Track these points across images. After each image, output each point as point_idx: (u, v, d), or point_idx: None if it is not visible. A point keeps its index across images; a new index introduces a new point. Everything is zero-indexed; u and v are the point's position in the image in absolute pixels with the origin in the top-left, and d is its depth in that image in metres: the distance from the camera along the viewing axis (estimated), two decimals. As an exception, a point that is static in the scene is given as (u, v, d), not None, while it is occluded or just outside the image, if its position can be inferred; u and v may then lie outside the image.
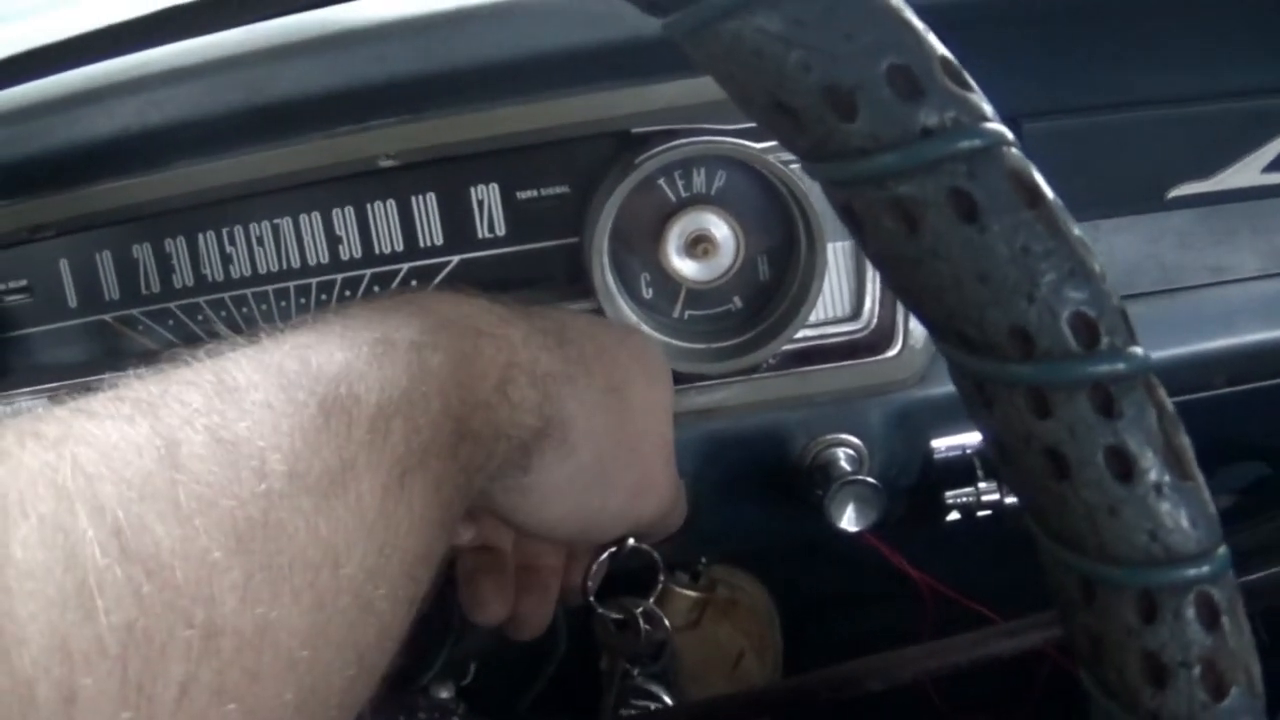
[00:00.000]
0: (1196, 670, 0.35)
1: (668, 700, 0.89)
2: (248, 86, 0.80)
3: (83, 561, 0.33)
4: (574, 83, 0.80)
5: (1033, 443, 0.36)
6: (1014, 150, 0.35)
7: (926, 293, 0.36)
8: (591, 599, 0.79)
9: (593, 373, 0.61)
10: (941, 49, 0.35)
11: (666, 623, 0.86)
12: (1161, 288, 0.88)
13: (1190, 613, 0.35)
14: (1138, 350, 0.35)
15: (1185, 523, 0.35)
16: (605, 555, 0.77)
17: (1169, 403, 0.36)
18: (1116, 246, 0.88)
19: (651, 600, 0.84)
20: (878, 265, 0.39)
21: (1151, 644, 0.36)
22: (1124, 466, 0.35)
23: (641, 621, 0.85)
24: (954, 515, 0.88)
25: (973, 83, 0.36)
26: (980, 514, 0.88)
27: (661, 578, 0.84)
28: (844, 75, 0.35)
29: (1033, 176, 0.35)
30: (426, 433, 0.47)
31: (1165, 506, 0.35)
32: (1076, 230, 0.35)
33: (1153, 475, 0.35)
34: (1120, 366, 0.35)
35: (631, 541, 0.76)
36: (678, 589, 1.00)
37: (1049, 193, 0.35)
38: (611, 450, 0.62)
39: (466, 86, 0.79)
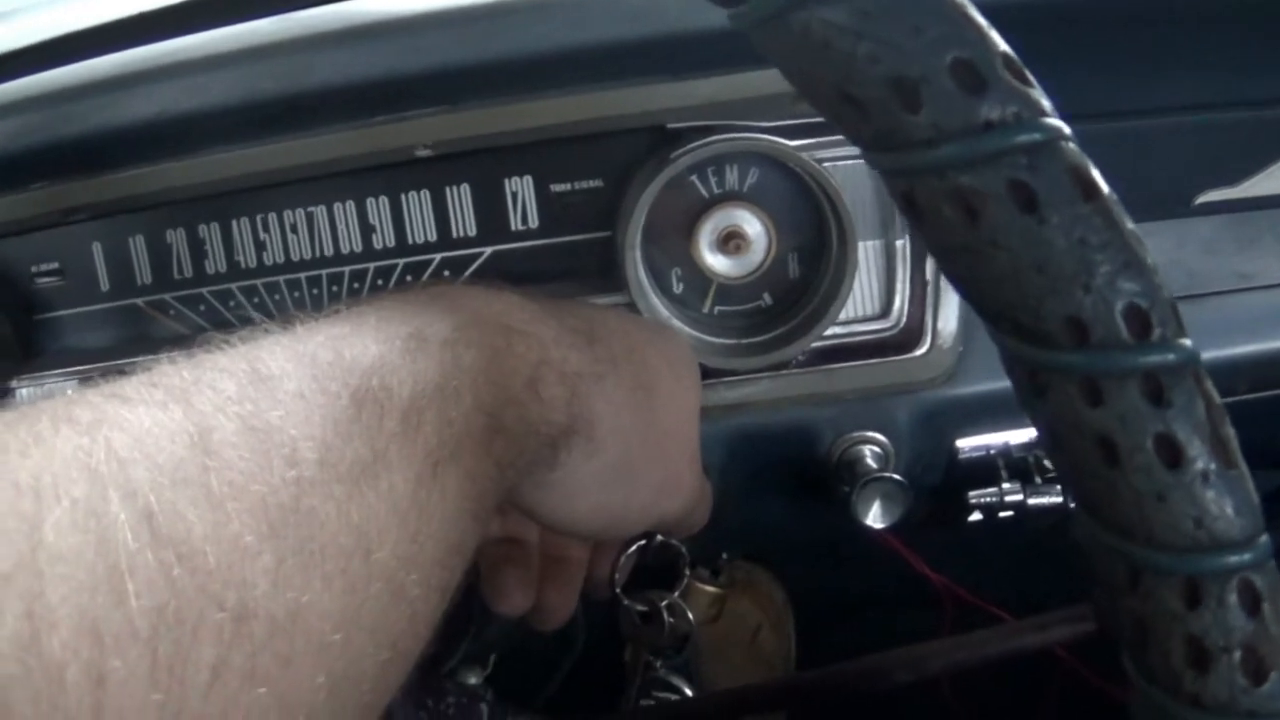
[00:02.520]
0: (1237, 655, 0.36)
1: (688, 692, 0.90)
2: (286, 74, 0.81)
3: (114, 545, 0.34)
4: (609, 77, 0.80)
5: (1084, 430, 0.37)
6: (1072, 145, 0.36)
7: (985, 282, 0.37)
8: (618, 591, 0.80)
9: (621, 371, 0.61)
10: (1003, 45, 0.36)
11: (690, 616, 0.87)
12: (1187, 293, 0.89)
13: (1233, 599, 0.36)
14: (1187, 342, 0.36)
15: (1230, 510, 0.36)
16: (634, 549, 0.78)
17: (1216, 394, 0.37)
18: (1142, 251, 0.88)
19: (677, 594, 0.85)
20: (936, 255, 0.40)
21: (1195, 629, 0.37)
22: (1172, 454, 0.36)
23: (666, 614, 0.85)
24: (976, 515, 0.89)
25: (1033, 79, 0.36)
26: (1002, 515, 0.88)
27: (687, 572, 0.85)
28: (910, 68, 0.36)
29: (1090, 171, 0.36)
30: (459, 426, 0.47)
31: (1211, 494, 0.36)
32: (1130, 224, 0.36)
33: (1200, 463, 0.36)
34: (1170, 357, 0.36)
35: (659, 536, 0.77)
36: (699, 584, 1.00)
37: (1105, 187, 0.36)
38: (637, 448, 0.62)
39: (503, 79, 0.80)
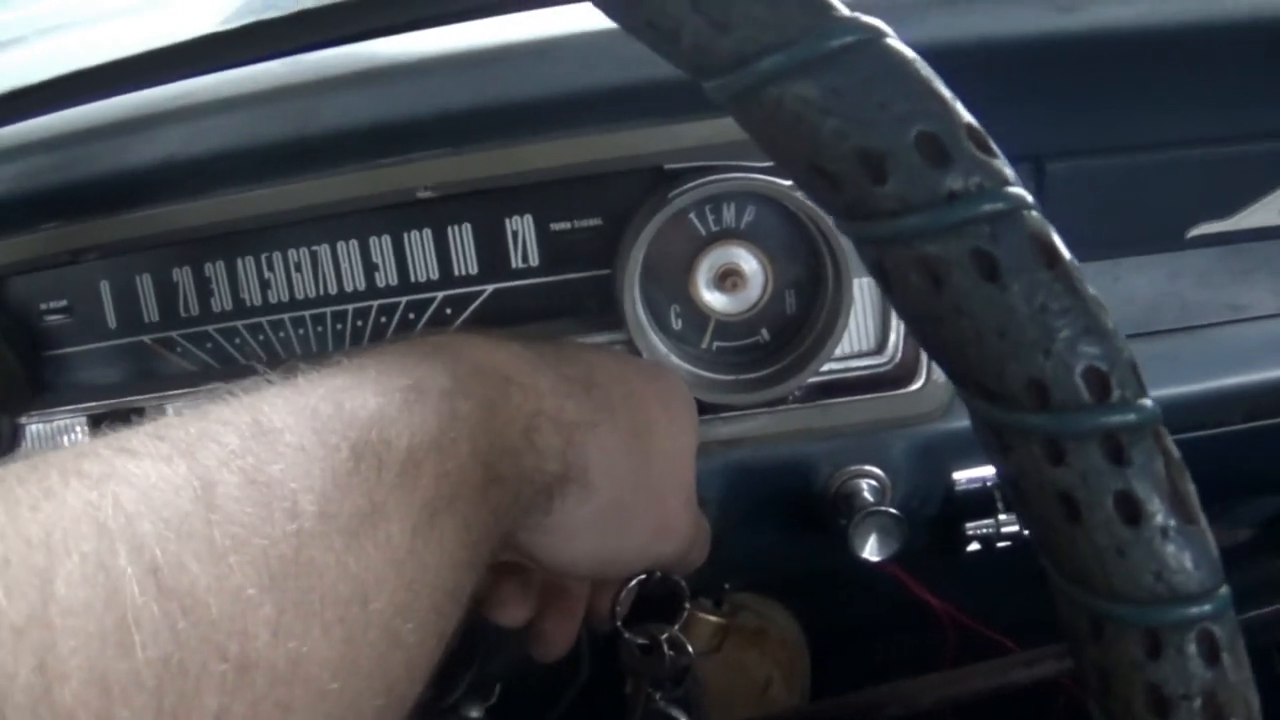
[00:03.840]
0: (1198, 703, 0.37)
1: (688, 725, 0.91)
2: (293, 117, 0.82)
3: (122, 599, 0.35)
4: (609, 119, 0.82)
5: (1046, 487, 0.38)
6: (1034, 214, 0.37)
7: (950, 346, 0.38)
8: (618, 624, 0.81)
9: (617, 418, 0.62)
10: (968, 117, 0.38)
11: (690, 649, 0.88)
12: (1181, 325, 0.90)
13: (1192, 649, 0.37)
14: (1147, 402, 0.38)
15: (1189, 564, 0.37)
16: (634, 583, 0.79)
17: (1175, 450, 0.38)
18: (1137, 284, 0.90)
19: (676, 627, 0.86)
20: (905, 319, 0.41)
21: (1155, 678, 0.38)
22: (1132, 511, 0.37)
23: (666, 647, 0.86)
24: (974, 546, 0.90)
25: (996, 149, 0.38)
26: (1000, 545, 0.89)
27: (687, 605, 0.86)
28: (876, 142, 0.37)
29: (1051, 239, 0.37)
30: (455, 476, 0.49)
31: (1170, 549, 0.37)
32: (1091, 290, 0.37)
33: (1159, 519, 0.37)
34: (1131, 417, 0.37)
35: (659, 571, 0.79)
36: (700, 614, 1.01)
37: (1066, 254, 0.37)
38: (631, 494, 0.63)
39: (506, 121, 0.81)
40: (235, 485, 0.40)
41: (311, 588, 0.40)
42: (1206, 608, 0.37)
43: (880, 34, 0.38)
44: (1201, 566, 0.37)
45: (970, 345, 0.38)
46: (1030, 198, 0.38)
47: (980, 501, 0.89)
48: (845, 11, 0.39)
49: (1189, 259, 0.91)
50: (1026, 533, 0.84)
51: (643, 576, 0.80)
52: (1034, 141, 0.84)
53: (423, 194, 0.82)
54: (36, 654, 0.33)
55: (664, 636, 0.86)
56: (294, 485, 0.42)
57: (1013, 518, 0.88)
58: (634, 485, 0.63)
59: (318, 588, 0.41)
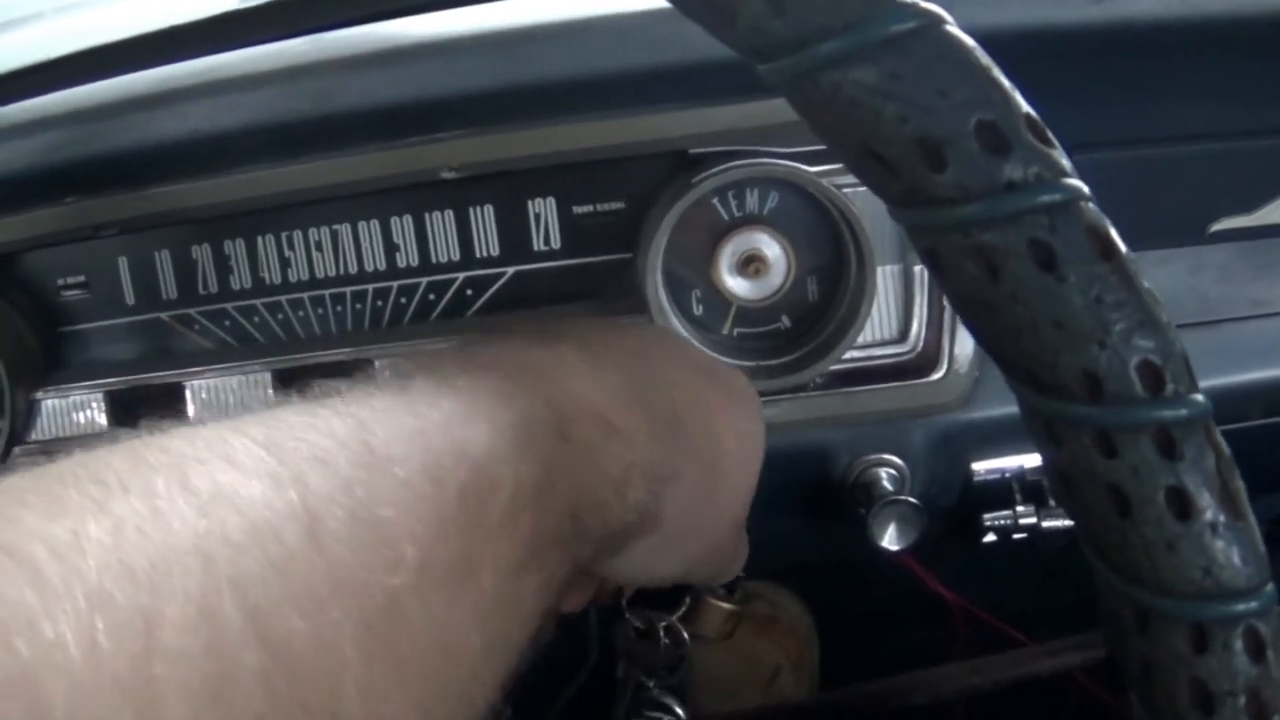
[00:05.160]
0: (1242, 699, 0.37)
1: (680, 714, 0.90)
2: (317, 95, 0.82)
3: (223, 648, 0.33)
4: (634, 103, 0.81)
5: (1097, 480, 0.38)
6: (1091, 205, 0.37)
7: (1003, 336, 0.38)
8: (623, 603, 0.81)
9: (695, 464, 0.60)
10: (1026, 107, 0.37)
11: (686, 637, 0.88)
12: (1202, 319, 0.90)
13: (1239, 645, 0.37)
14: (1199, 397, 0.37)
15: (1237, 560, 0.37)
16: None
17: (1225, 446, 0.38)
18: (1159, 278, 0.89)
19: (676, 616, 0.86)
20: (957, 307, 0.41)
21: (1201, 672, 0.38)
22: (1183, 506, 0.37)
23: (662, 634, 0.86)
24: (990, 537, 0.90)
25: (1054, 139, 0.38)
26: (1016, 536, 0.89)
27: (688, 597, 0.86)
28: (936, 129, 0.37)
29: (1108, 231, 0.37)
30: (549, 531, 0.47)
31: (1220, 544, 0.37)
32: (1146, 283, 0.37)
33: (1209, 515, 0.37)
34: (1183, 412, 0.37)
35: None
36: (712, 600, 1.01)
37: (1122, 246, 0.37)
38: (693, 528, 0.62)
39: (530, 102, 0.81)
40: (341, 522, 0.38)
41: (401, 643, 0.39)
42: (1253, 604, 0.37)
43: (940, 20, 0.38)
44: (1249, 563, 0.37)
45: (1024, 335, 0.37)
46: (1087, 189, 0.37)
47: (997, 493, 0.89)
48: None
49: (1211, 254, 0.91)
50: (1047, 520, 0.85)
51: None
52: (1059, 133, 0.83)
53: (446, 174, 0.82)
54: (136, 708, 0.32)
55: (663, 624, 0.86)
56: (400, 530, 0.40)
57: (1030, 510, 0.88)
58: (697, 522, 0.62)
59: (407, 643, 0.39)
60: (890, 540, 0.84)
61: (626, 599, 0.81)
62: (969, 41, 0.38)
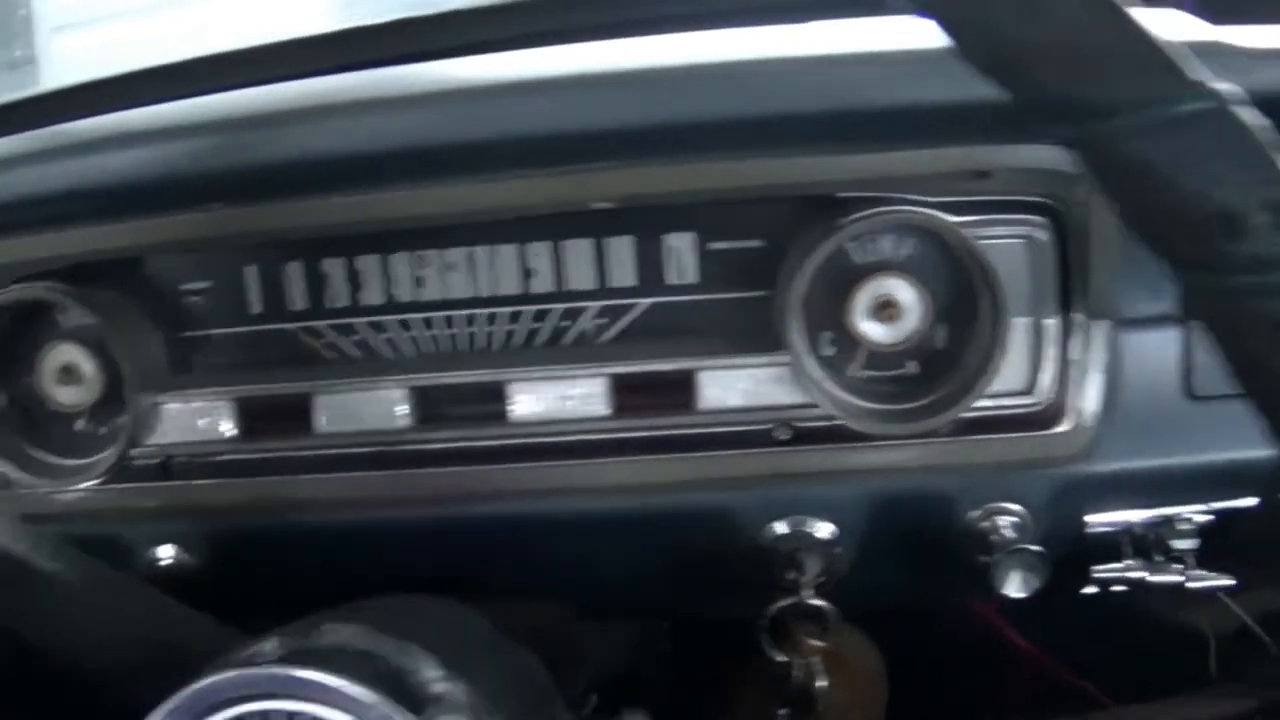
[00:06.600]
0: None
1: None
2: (474, 120, 0.83)
3: None
4: (783, 144, 0.82)
5: None
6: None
7: None
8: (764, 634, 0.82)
9: None
10: None
11: (821, 681, 0.89)
12: None
13: None
14: None
15: None
16: (787, 603, 0.80)
17: None
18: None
19: (817, 658, 0.87)
20: (1234, 362, 0.42)
21: None
22: None
23: (797, 671, 0.87)
24: (1090, 589, 0.91)
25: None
26: (1115, 589, 0.90)
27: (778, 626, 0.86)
28: (1235, 202, 0.39)
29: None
30: None
31: None
32: None
33: None
34: None
35: (811, 600, 0.80)
36: (803, 637, 1.02)
37: None
38: None
39: (684, 139, 0.82)
40: None
41: None
42: None
43: (1239, 99, 0.40)
44: None
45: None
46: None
47: (1106, 546, 0.89)
48: (1201, 74, 0.40)
49: None
50: (1155, 575, 0.86)
51: (794, 599, 0.81)
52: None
53: (596, 205, 0.83)
54: None
55: (804, 659, 0.87)
56: None
57: (1139, 563, 0.88)
58: None
59: None
60: (1015, 588, 0.84)
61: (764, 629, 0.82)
62: (1265, 122, 0.40)
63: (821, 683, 0.89)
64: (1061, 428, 0.86)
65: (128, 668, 0.73)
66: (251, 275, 0.91)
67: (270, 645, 0.67)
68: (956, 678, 1.22)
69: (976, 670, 1.16)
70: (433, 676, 0.66)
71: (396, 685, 0.64)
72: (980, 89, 0.78)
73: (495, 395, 0.88)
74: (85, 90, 1.07)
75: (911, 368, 0.87)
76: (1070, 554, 0.90)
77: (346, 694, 0.61)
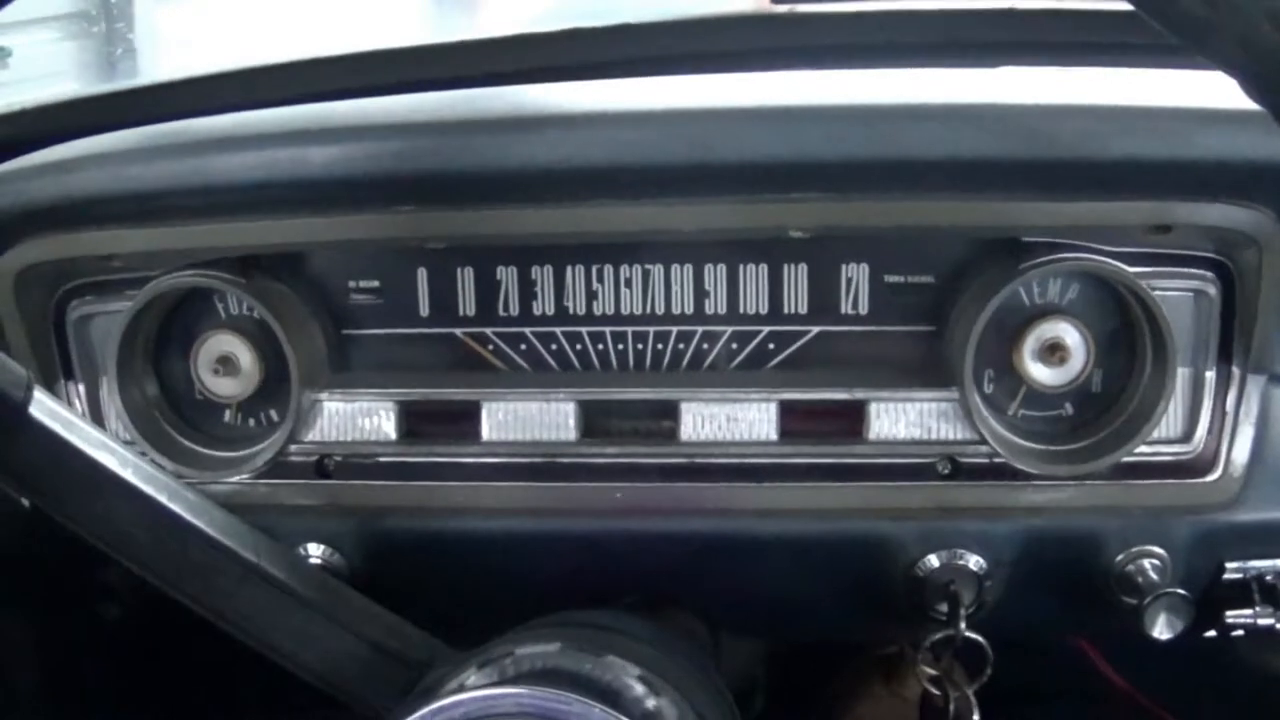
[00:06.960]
0: None
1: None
2: (696, 142, 0.84)
3: None
4: (980, 187, 0.84)
5: None
6: None
7: None
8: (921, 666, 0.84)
9: None
10: None
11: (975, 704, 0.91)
12: None
13: None
14: None
15: None
16: (940, 635, 0.83)
17: None
18: None
19: (972, 690, 0.89)
20: None
21: None
22: None
23: (951, 704, 0.89)
24: (1210, 632, 0.93)
25: None
26: (1234, 634, 0.93)
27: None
28: None
29: None
30: None
31: None
32: None
33: None
34: None
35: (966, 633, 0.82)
36: (924, 666, 1.04)
37: None
38: None
39: (892, 176, 0.84)
40: None
41: None
42: None
43: None
44: None
45: None
46: None
47: (1237, 592, 0.92)
48: None
49: None
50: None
51: (949, 632, 0.84)
52: None
53: (795, 234, 0.85)
54: None
55: (955, 695, 0.89)
56: None
57: (1267, 610, 0.91)
58: None
59: None
60: (1161, 630, 0.87)
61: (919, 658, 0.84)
62: None
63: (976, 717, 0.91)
64: (1212, 476, 0.89)
65: (349, 676, 0.74)
66: (422, 278, 0.92)
67: (495, 662, 0.68)
68: (1049, 711, 1.24)
69: (1070, 704, 1.19)
70: (641, 693, 0.68)
71: (618, 704, 0.65)
72: (1167, 147, 0.81)
73: (665, 413, 0.90)
74: (243, 76, 1.07)
75: (1067, 409, 0.90)
76: (1203, 599, 0.93)
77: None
